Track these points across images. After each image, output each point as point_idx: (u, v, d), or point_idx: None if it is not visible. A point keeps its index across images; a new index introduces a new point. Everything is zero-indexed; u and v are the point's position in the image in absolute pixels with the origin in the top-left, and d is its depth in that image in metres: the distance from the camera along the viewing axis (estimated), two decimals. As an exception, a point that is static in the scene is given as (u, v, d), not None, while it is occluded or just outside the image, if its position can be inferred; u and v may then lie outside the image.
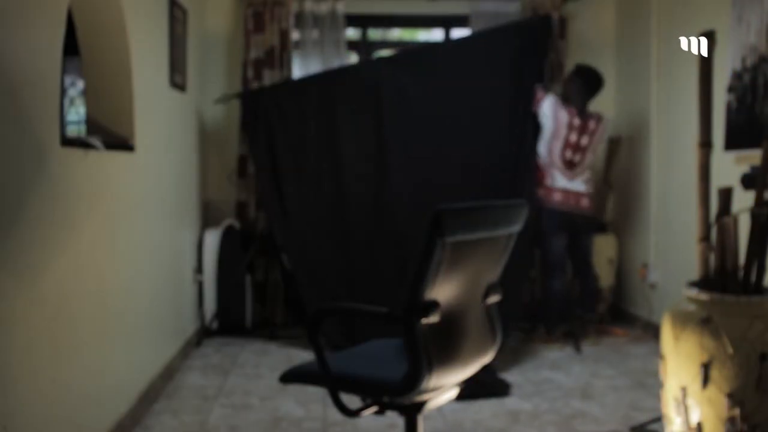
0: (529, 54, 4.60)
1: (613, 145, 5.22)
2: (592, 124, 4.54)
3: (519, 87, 4.60)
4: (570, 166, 4.50)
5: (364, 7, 5.25)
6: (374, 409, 2.03)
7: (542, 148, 4.49)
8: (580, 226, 4.58)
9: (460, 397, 2.50)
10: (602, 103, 5.30)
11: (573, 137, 4.49)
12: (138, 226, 3.33)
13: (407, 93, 4.60)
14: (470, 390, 3.39)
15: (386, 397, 1.97)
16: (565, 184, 4.50)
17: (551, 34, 4.92)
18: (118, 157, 3.04)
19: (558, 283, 4.57)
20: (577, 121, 4.50)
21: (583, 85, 4.57)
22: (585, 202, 4.53)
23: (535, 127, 4.58)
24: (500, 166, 4.54)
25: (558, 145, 4.47)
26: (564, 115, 4.46)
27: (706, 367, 2.37)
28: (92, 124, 3.23)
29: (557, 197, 4.49)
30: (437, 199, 2.03)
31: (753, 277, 2.51)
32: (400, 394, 1.90)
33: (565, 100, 4.60)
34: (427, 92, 4.60)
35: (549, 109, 4.46)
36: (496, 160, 4.53)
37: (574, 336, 4.49)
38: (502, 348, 2.38)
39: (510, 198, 4.33)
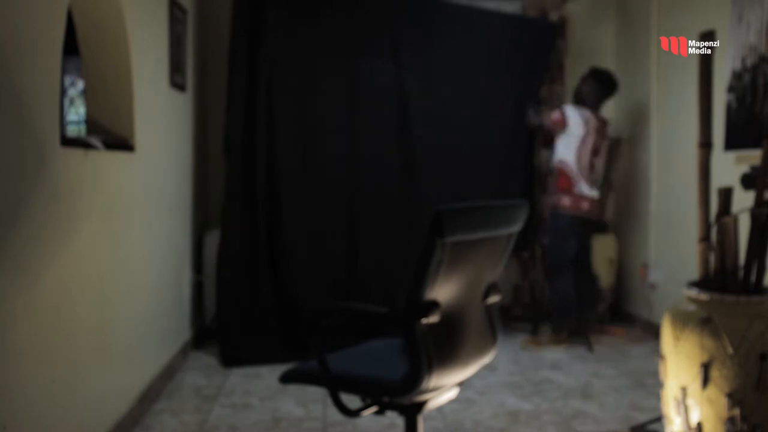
0: (538, 51, 4.73)
1: (613, 145, 5.22)
2: (604, 127, 4.60)
3: (524, 78, 4.72)
4: (592, 169, 4.55)
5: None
6: (374, 409, 2.03)
7: (570, 156, 4.51)
8: (588, 229, 4.64)
9: None
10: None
11: (595, 140, 4.55)
12: (138, 226, 3.33)
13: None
14: None
15: (386, 397, 1.97)
16: (587, 191, 4.54)
17: (555, 42, 4.98)
18: (118, 157, 3.04)
19: (568, 283, 4.55)
20: (595, 124, 4.55)
21: (598, 89, 4.61)
22: (600, 208, 4.69)
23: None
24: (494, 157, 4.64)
25: (586, 150, 4.50)
26: (591, 118, 4.51)
27: (706, 367, 2.37)
28: (92, 124, 3.23)
29: (585, 206, 4.52)
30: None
31: (753, 277, 2.51)
32: (400, 394, 1.90)
33: (578, 102, 4.63)
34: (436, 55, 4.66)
35: (576, 117, 4.49)
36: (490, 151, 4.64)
37: (585, 336, 4.50)
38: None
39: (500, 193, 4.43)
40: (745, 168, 3.56)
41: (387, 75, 4.59)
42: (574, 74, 5.16)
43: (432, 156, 4.62)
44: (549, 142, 4.79)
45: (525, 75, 4.83)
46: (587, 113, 4.52)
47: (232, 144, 4.32)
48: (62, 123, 2.45)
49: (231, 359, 4.14)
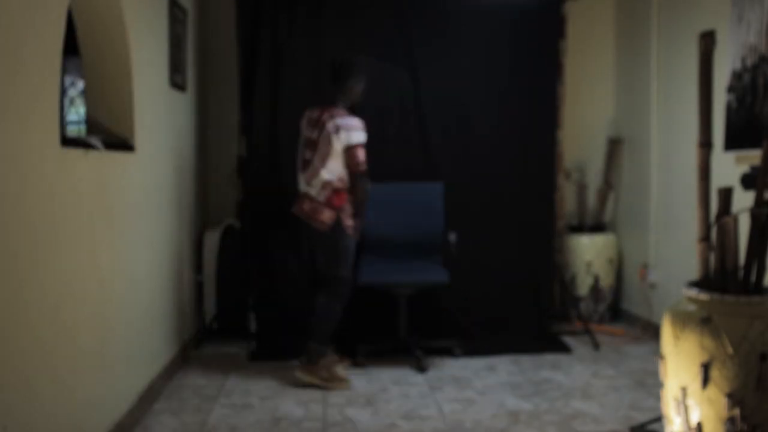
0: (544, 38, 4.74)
1: (614, 145, 5.22)
2: (315, 114, 3.87)
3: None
4: (304, 165, 3.90)
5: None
6: None
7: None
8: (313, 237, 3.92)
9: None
10: (602, 103, 5.32)
11: (306, 132, 3.92)
12: (138, 226, 3.33)
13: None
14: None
15: None
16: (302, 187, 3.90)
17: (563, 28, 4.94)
18: (118, 157, 3.05)
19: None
20: (314, 114, 3.89)
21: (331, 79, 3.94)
22: (308, 207, 3.83)
23: None
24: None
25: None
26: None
27: (706, 367, 2.37)
28: (92, 124, 3.23)
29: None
30: None
31: (753, 277, 2.51)
32: None
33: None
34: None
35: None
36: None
37: (590, 333, 4.51)
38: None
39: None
40: (745, 168, 3.56)
41: (400, 71, 4.63)
42: (574, 74, 5.15)
43: (449, 153, 4.65)
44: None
45: (536, 62, 4.79)
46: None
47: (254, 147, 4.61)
48: (62, 123, 2.45)
49: (260, 354, 4.33)
